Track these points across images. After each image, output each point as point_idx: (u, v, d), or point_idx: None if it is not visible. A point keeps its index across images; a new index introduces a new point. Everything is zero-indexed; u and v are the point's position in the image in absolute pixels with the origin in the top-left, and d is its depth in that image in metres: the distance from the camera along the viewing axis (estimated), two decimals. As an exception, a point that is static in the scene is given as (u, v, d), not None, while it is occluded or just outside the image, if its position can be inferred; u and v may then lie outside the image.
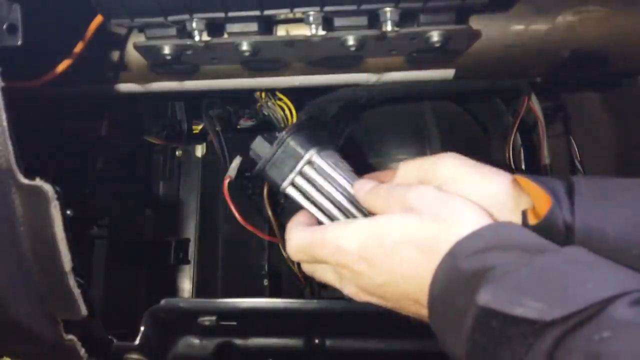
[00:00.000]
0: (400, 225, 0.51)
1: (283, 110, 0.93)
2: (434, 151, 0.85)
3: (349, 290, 0.56)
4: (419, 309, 0.50)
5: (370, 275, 0.52)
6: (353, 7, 0.63)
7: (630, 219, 0.45)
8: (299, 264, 0.88)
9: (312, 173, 0.62)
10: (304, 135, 0.64)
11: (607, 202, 0.47)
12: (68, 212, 0.57)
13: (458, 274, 0.44)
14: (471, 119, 0.93)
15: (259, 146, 0.64)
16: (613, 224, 0.45)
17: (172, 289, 1.06)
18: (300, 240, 0.58)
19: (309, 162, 0.62)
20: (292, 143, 0.63)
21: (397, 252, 0.50)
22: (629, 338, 0.34)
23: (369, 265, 0.52)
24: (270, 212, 0.72)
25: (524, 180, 0.51)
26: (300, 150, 0.62)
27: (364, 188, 0.59)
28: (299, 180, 0.62)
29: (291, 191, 0.63)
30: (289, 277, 0.99)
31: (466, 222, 0.48)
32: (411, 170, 0.59)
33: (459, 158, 0.56)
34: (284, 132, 0.63)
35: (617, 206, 0.46)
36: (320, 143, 0.64)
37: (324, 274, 0.59)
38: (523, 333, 0.38)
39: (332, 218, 0.61)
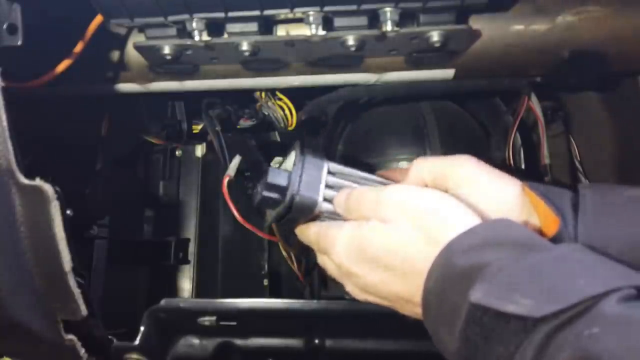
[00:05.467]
0: (380, 236, 0.51)
1: (283, 110, 0.93)
2: (434, 151, 0.85)
3: (349, 287, 0.57)
4: (412, 307, 0.51)
5: (361, 276, 0.54)
6: (353, 7, 0.63)
7: (631, 237, 0.46)
8: (299, 263, 0.88)
9: (338, 180, 0.60)
10: (313, 151, 0.61)
11: (609, 219, 0.48)
12: (68, 212, 0.57)
13: (453, 271, 0.44)
14: (471, 119, 0.93)
15: (276, 176, 0.60)
16: (615, 243, 0.45)
17: (172, 289, 1.05)
18: (312, 229, 0.60)
19: (329, 172, 0.60)
20: (309, 157, 0.60)
21: (381, 259, 0.51)
22: (618, 334, 0.34)
23: (358, 267, 0.53)
24: (269, 212, 0.72)
25: (532, 195, 0.51)
26: (318, 161, 0.60)
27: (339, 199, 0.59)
28: (329, 193, 0.59)
29: (327, 207, 0.59)
30: (289, 277, 0.99)
31: (450, 227, 0.48)
32: (425, 169, 0.59)
33: (476, 161, 0.56)
34: (297, 150, 0.60)
35: (619, 224, 0.47)
36: (323, 157, 0.62)
37: (330, 268, 0.59)
38: (514, 329, 0.38)
39: None
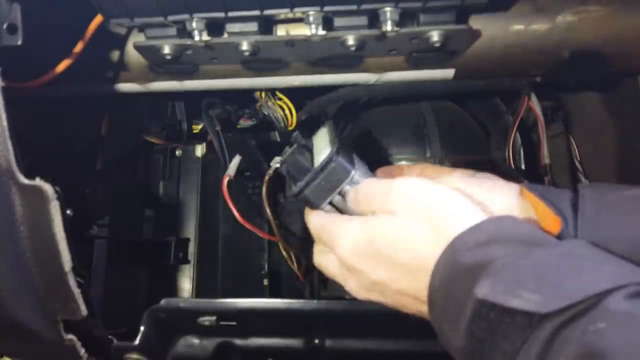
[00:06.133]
0: (387, 231, 0.51)
1: (283, 110, 0.93)
2: (434, 151, 0.85)
3: (351, 286, 0.56)
4: (418, 305, 0.50)
5: (365, 272, 0.53)
6: (353, 7, 0.63)
7: (631, 237, 0.46)
8: (299, 263, 0.88)
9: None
10: (346, 153, 0.61)
11: (609, 219, 0.48)
12: (68, 212, 0.57)
13: (458, 267, 0.44)
14: (471, 119, 0.93)
15: (297, 168, 0.62)
16: (615, 243, 0.45)
17: (172, 289, 1.06)
18: (319, 220, 0.59)
19: (350, 182, 0.60)
20: (340, 160, 0.59)
21: (389, 255, 0.51)
22: (624, 329, 0.34)
23: (364, 264, 0.53)
24: (269, 212, 0.72)
25: (531, 196, 0.51)
26: (346, 169, 0.59)
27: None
28: (337, 199, 0.60)
29: (328, 209, 0.60)
30: (289, 277, 0.99)
31: (458, 222, 0.48)
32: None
33: (460, 173, 0.58)
34: (334, 148, 0.59)
35: (619, 224, 0.47)
36: (354, 160, 0.62)
37: (330, 267, 0.59)
38: (520, 325, 0.38)
39: None
